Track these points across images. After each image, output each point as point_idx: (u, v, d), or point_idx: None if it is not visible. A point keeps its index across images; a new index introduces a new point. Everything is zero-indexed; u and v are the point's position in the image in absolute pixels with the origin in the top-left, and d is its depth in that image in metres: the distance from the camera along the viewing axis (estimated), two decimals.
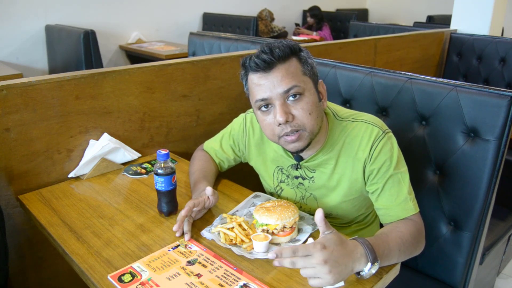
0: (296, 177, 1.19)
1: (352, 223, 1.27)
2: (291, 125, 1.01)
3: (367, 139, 1.07)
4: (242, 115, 1.32)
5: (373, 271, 0.89)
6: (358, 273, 0.89)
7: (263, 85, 1.00)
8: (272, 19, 5.04)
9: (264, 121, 1.05)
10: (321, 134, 1.09)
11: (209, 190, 1.11)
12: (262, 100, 1.02)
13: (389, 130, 1.11)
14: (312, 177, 1.17)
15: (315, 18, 5.34)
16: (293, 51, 1.02)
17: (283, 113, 0.99)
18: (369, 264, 0.88)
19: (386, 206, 1.08)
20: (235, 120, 1.35)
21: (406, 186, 1.07)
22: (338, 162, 1.12)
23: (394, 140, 1.10)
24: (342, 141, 1.11)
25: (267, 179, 1.27)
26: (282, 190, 1.25)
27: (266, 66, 0.99)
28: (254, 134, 1.26)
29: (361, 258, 0.87)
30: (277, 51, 0.99)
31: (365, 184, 1.11)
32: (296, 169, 1.18)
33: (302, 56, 1.04)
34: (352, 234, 1.25)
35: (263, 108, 1.03)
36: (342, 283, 0.86)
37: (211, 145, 1.39)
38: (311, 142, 1.06)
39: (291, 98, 1.00)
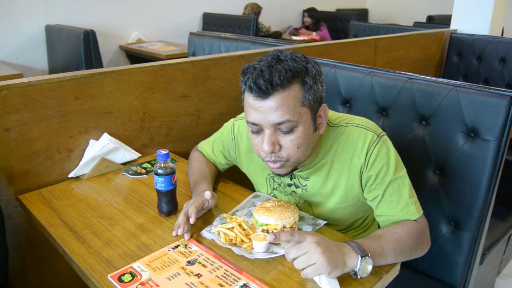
0: (289, 185, 1.18)
1: (349, 228, 1.25)
2: (276, 155, 0.99)
3: (362, 144, 1.04)
4: (231, 121, 1.30)
5: (369, 266, 0.89)
6: (355, 274, 0.89)
7: (256, 110, 0.95)
8: (257, 14, 4.78)
9: (253, 139, 1.02)
10: (314, 148, 1.07)
11: (208, 194, 1.11)
12: (253, 124, 0.98)
13: (384, 133, 1.08)
14: (306, 185, 1.15)
15: (312, 19, 5.34)
16: (297, 75, 0.94)
17: (270, 143, 0.97)
18: (359, 257, 0.88)
19: (387, 213, 1.06)
20: (225, 124, 1.33)
21: (406, 191, 1.05)
22: (332, 169, 1.10)
23: (389, 143, 1.07)
24: (335, 148, 1.08)
25: (260, 186, 1.26)
26: (276, 197, 1.24)
27: (262, 94, 0.93)
28: (243, 142, 1.25)
29: (350, 253, 0.89)
30: (276, 78, 0.91)
31: (362, 191, 1.09)
32: (290, 178, 1.17)
33: (307, 81, 0.96)
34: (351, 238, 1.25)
35: (253, 130, 1.00)
36: (337, 285, 0.87)
37: (204, 147, 1.38)
38: (297, 167, 1.06)
39: (282, 130, 0.97)
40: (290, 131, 0.97)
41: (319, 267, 0.84)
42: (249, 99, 0.97)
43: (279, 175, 1.08)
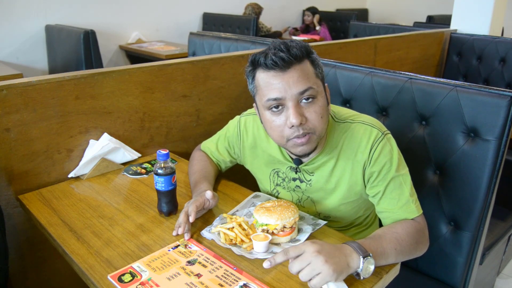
0: (294, 179, 1.19)
1: (351, 226, 1.26)
2: (304, 127, 0.99)
3: (366, 141, 1.06)
4: (237, 118, 1.31)
5: (371, 266, 0.89)
6: (358, 274, 0.89)
7: (277, 84, 0.97)
8: (258, 14, 4.78)
9: (273, 122, 1.01)
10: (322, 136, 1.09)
11: (209, 194, 1.11)
12: (275, 99, 0.98)
13: (388, 132, 1.10)
14: (310, 180, 1.16)
15: (314, 15, 5.34)
16: (307, 52, 1.01)
17: (297, 115, 0.97)
18: (361, 258, 0.88)
19: (388, 209, 1.07)
20: (230, 122, 1.34)
21: (407, 189, 1.06)
22: (337, 165, 1.11)
23: (393, 142, 1.09)
24: (341, 143, 1.10)
25: (264, 182, 1.27)
26: (278, 193, 1.25)
27: (284, 64, 0.96)
28: (248, 137, 1.25)
29: (352, 254, 0.88)
30: (294, 50, 0.97)
31: (365, 187, 1.10)
32: (296, 172, 1.17)
33: (314, 58, 1.03)
34: (351, 238, 1.25)
35: (273, 109, 1.00)
36: (344, 285, 0.86)
37: (208, 145, 1.39)
38: (318, 145, 1.07)
39: (304, 101, 0.98)
40: (313, 101, 0.99)
41: (325, 276, 0.83)
42: (267, 78, 0.99)
43: (303, 155, 1.07)
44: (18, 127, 1.27)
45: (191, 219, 1.05)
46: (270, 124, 1.03)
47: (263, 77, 1.00)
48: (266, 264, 0.86)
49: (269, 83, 0.99)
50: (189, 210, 1.06)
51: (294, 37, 4.99)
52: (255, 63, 1.01)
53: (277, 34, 4.99)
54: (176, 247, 1.02)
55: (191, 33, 2.65)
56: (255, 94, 1.06)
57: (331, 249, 0.87)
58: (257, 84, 1.03)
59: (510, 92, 1.18)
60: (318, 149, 1.11)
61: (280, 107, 0.99)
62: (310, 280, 0.84)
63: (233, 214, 1.15)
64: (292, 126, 0.98)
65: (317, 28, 5.19)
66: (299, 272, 0.85)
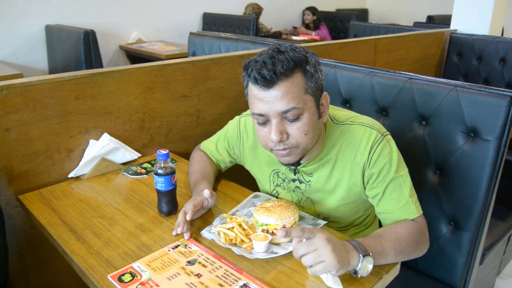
0: (293, 180, 1.19)
1: (350, 226, 1.26)
2: (285, 143, 1.00)
3: (366, 142, 1.06)
4: (236, 118, 1.31)
5: (369, 266, 0.90)
6: (355, 272, 0.89)
7: (262, 100, 0.97)
8: (258, 14, 4.79)
9: (259, 131, 1.04)
10: (319, 140, 1.08)
11: (206, 193, 1.11)
12: (259, 115, 1.00)
13: (388, 133, 1.09)
14: (309, 181, 1.16)
15: (313, 15, 5.34)
16: (299, 64, 0.97)
17: (277, 132, 0.98)
18: (361, 256, 0.88)
19: (387, 210, 1.07)
20: (230, 122, 1.34)
21: (407, 190, 1.06)
22: (336, 166, 1.11)
23: (393, 143, 1.09)
24: (339, 145, 1.10)
25: (264, 182, 1.27)
26: (278, 194, 1.25)
27: (266, 83, 0.95)
28: (248, 138, 1.26)
29: (353, 252, 0.89)
30: (279, 67, 0.94)
31: (364, 188, 1.10)
32: (295, 173, 1.18)
33: (308, 69, 0.99)
34: (351, 237, 1.25)
35: (259, 121, 1.02)
36: (340, 284, 0.87)
37: (208, 145, 1.39)
38: (305, 155, 1.07)
39: (288, 118, 0.98)
40: (297, 118, 0.98)
41: (328, 265, 0.84)
42: (254, 91, 0.99)
43: (288, 165, 1.09)
44: (18, 127, 1.27)
45: (188, 218, 1.05)
46: (257, 132, 1.06)
47: (251, 88, 1.00)
48: (280, 233, 0.87)
49: (255, 97, 0.99)
50: (186, 208, 1.06)
51: (294, 37, 4.99)
52: (247, 72, 1.01)
53: (277, 35, 4.99)
54: (176, 247, 1.02)
55: (191, 33, 2.65)
56: (248, 101, 1.06)
57: (337, 242, 0.88)
58: (248, 93, 1.04)
59: (510, 92, 1.18)
60: (316, 152, 1.10)
61: (265, 121, 1.01)
62: (311, 266, 0.85)
63: (233, 214, 1.15)
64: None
65: (313, 33, 5.19)
66: (302, 256, 0.86)
